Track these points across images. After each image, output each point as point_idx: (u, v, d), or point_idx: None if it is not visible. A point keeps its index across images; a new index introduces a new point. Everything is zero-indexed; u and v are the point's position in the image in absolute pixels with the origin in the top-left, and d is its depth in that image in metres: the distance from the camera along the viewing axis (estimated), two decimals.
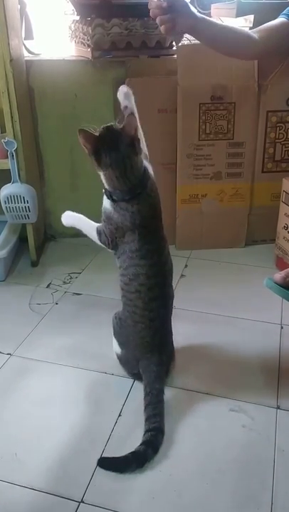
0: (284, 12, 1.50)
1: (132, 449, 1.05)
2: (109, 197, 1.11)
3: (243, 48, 1.50)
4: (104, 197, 1.14)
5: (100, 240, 1.19)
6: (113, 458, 1.03)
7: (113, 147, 1.05)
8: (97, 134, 1.05)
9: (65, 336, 1.47)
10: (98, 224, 1.19)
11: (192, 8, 1.27)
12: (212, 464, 1.05)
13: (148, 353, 1.21)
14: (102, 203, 1.17)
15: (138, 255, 1.12)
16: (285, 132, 1.87)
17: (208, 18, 1.35)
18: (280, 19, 1.50)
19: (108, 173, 1.07)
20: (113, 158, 1.05)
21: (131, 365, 1.26)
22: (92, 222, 1.21)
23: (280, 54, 1.59)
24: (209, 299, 1.66)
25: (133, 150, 1.06)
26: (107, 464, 1.03)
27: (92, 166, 1.09)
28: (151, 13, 1.22)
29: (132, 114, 1.07)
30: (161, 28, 1.24)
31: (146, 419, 1.10)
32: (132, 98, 1.16)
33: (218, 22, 1.38)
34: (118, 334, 1.25)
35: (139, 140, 1.07)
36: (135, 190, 1.09)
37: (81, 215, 1.24)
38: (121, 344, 1.25)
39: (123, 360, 1.28)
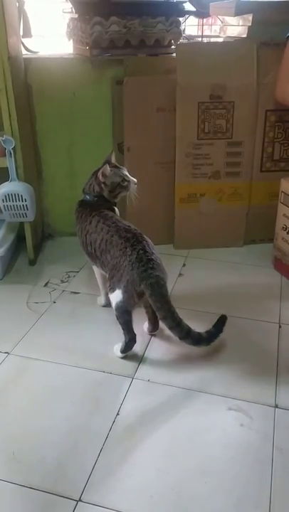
0: None
1: (131, 449, 1.07)
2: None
3: None
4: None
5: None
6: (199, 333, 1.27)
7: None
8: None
9: (62, 335, 1.47)
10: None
11: None
12: (210, 463, 1.05)
13: (143, 267, 1.26)
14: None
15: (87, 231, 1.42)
16: (283, 131, 1.87)
17: None
18: None
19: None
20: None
21: (133, 296, 1.27)
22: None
23: None
24: (207, 297, 1.66)
25: None
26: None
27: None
28: None
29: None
30: None
31: (178, 325, 1.26)
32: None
33: None
34: (112, 276, 1.32)
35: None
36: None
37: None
38: (119, 286, 1.28)
39: (125, 297, 1.28)
